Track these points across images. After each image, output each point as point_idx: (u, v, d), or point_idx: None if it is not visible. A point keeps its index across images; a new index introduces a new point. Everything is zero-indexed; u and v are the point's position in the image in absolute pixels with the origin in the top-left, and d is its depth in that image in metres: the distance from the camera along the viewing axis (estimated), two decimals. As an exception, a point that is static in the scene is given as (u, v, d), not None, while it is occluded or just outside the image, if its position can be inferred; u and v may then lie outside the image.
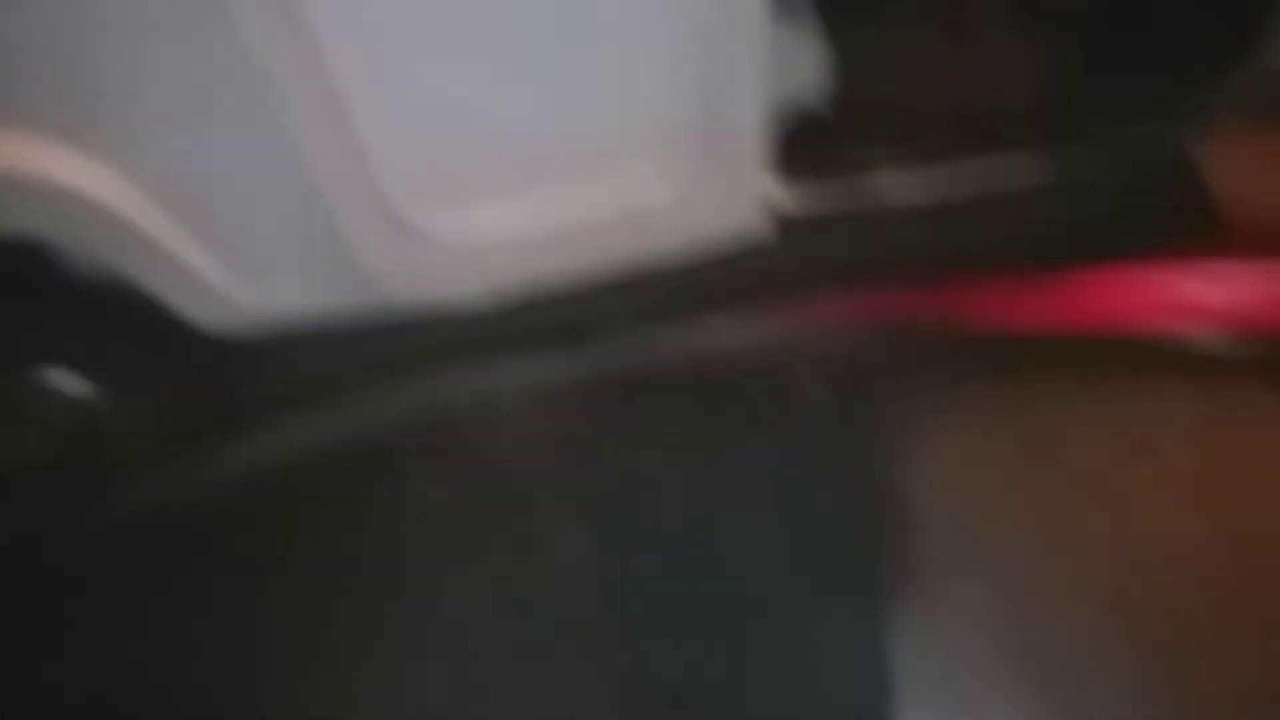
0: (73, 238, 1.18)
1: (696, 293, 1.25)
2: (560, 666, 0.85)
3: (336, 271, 1.30)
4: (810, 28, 1.47)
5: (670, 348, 0.98)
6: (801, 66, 1.46)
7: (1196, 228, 1.41)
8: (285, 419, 1.15)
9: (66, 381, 1.25)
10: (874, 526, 0.79)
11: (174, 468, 1.15)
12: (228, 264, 1.27)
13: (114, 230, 1.17)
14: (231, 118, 1.12)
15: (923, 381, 0.80)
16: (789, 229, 1.40)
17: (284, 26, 1.05)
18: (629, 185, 1.33)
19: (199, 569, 0.99)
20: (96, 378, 1.28)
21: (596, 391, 0.99)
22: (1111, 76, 1.58)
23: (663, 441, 0.93)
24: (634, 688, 0.80)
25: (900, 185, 1.46)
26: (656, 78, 1.25)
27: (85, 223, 1.14)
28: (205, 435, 1.18)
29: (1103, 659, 0.73)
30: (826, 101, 1.50)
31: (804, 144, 1.45)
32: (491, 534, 0.95)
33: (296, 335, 1.23)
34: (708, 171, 1.33)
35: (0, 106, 1.06)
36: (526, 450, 0.98)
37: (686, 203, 1.34)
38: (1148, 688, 0.73)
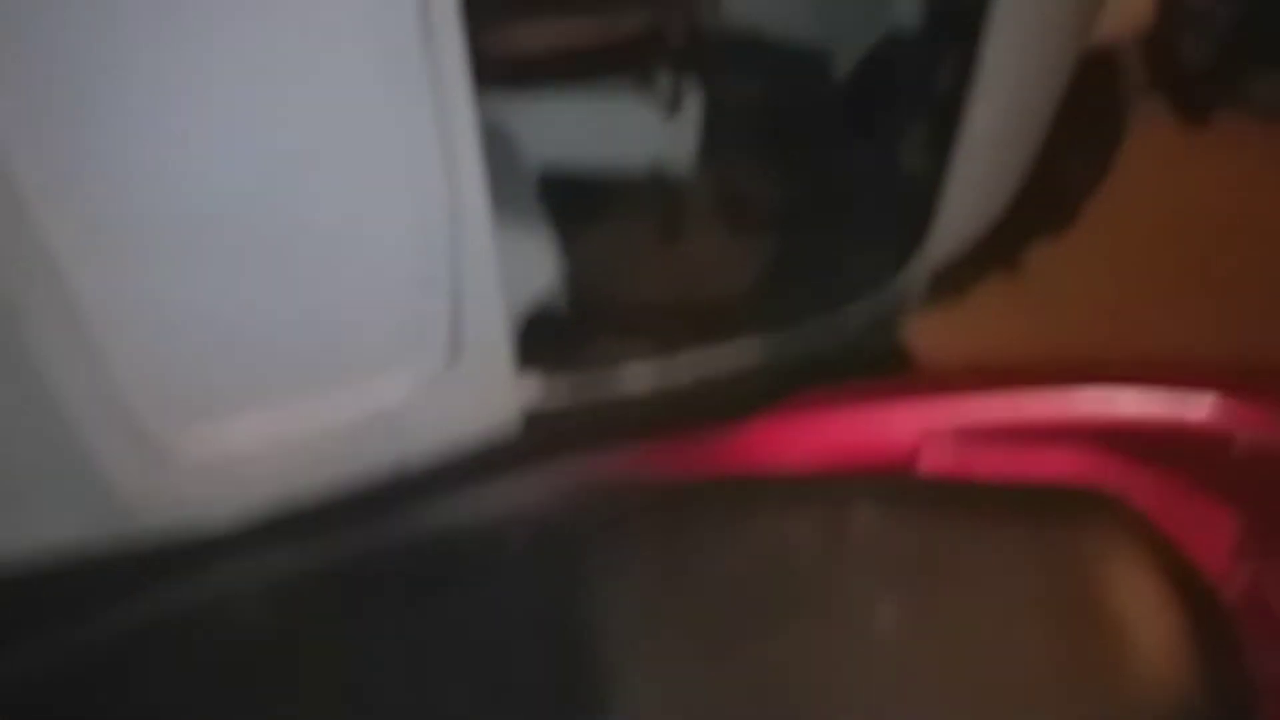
0: None
1: (431, 480, 1.32)
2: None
3: (82, 497, 1.28)
4: (540, 230, 1.63)
5: (398, 530, 1.05)
6: (535, 267, 1.61)
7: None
8: (19, 645, 1.14)
9: None
10: (571, 662, 0.87)
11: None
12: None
13: None
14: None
15: (613, 530, 0.90)
16: (530, 420, 1.50)
17: (18, 244, 1.06)
18: (377, 392, 1.37)
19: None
20: None
21: (323, 581, 1.04)
22: (810, 266, 1.82)
23: (387, 617, 0.99)
24: None
25: (633, 373, 1.59)
26: (392, 284, 1.32)
27: None
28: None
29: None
30: (561, 299, 1.65)
31: (543, 341, 1.57)
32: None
33: (35, 564, 1.22)
34: (454, 374, 1.40)
35: None
36: (257, 645, 1.01)
37: (435, 406, 1.40)
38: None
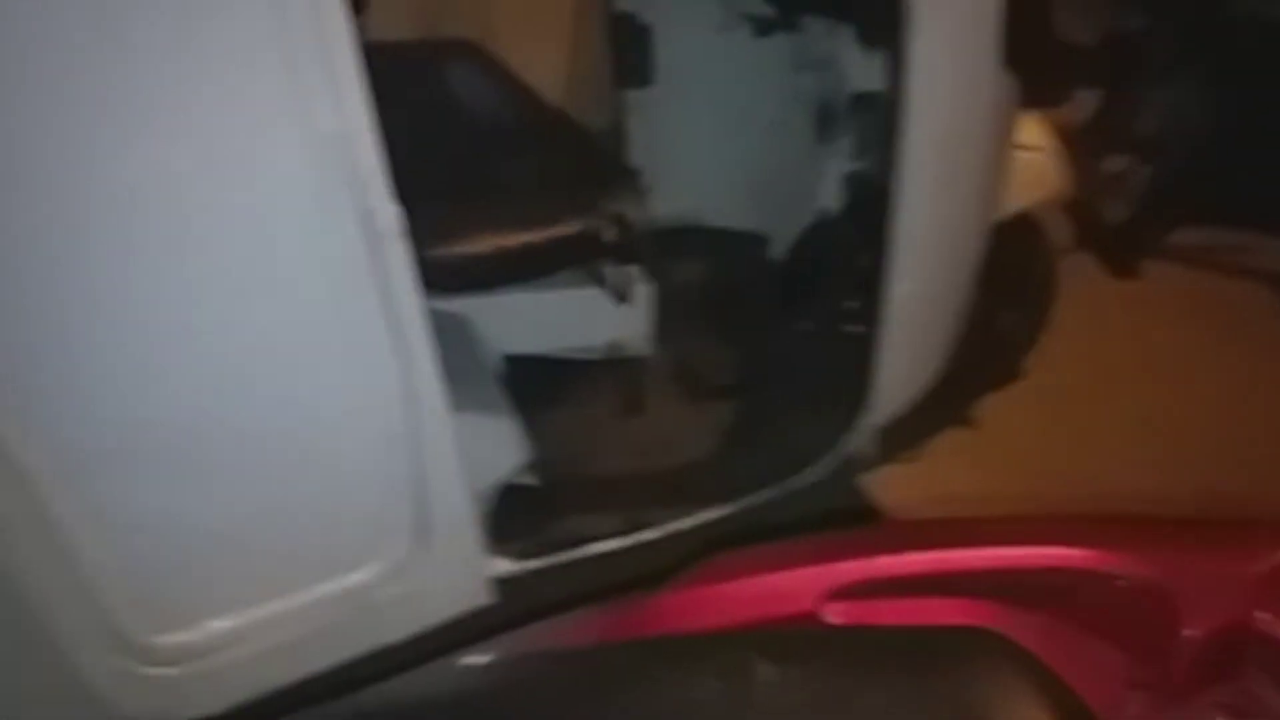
0: None
1: (403, 655, 1.37)
2: None
3: (65, 698, 1.32)
4: (503, 413, 1.72)
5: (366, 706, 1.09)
6: (499, 449, 1.68)
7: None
8: None
9: None
10: None
11: None
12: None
13: None
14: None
15: (535, 699, 0.95)
16: (504, 587, 1.55)
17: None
18: (353, 583, 1.43)
19: None
20: None
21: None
22: (763, 430, 1.91)
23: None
24: None
25: (602, 538, 1.67)
26: (358, 479, 1.40)
27: None
28: None
29: None
30: (530, 474, 1.72)
31: (514, 514, 1.65)
32: None
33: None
34: (426, 558, 1.46)
35: None
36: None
37: (409, 590, 1.46)
38: None
